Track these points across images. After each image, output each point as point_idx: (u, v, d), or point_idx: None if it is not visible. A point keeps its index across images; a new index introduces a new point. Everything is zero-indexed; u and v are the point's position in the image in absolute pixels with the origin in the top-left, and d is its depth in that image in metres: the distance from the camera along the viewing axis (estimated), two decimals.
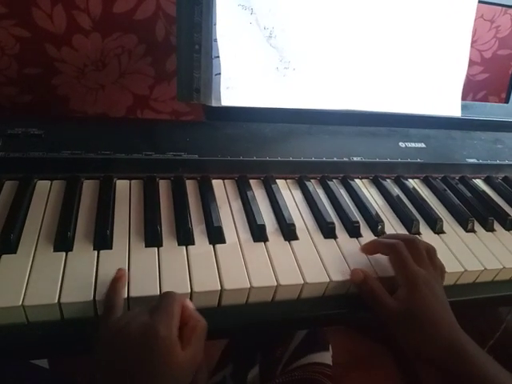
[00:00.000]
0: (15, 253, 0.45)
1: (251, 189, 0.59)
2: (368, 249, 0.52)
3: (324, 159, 0.64)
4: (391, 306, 0.46)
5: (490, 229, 0.62)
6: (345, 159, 0.65)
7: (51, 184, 0.55)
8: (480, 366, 0.42)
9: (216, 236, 0.51)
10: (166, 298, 0.40)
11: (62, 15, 0.68)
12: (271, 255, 0.50)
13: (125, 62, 0.76)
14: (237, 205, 0.57)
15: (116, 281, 0.43)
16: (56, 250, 0.46)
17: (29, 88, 0.75)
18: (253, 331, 0.55)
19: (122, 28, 0.72)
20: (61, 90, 0.76)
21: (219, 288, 0.45)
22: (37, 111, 0.77)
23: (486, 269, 0.54)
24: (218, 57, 0.56)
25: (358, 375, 0.99)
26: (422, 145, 0.71)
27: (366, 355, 1.04)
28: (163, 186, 0.58)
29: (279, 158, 0.62)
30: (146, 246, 0.48)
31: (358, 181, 0.66)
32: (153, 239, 0.49)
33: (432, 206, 0.64)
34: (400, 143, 0.70)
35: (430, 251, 0.50)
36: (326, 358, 0.67)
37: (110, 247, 0.47)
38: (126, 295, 0.42)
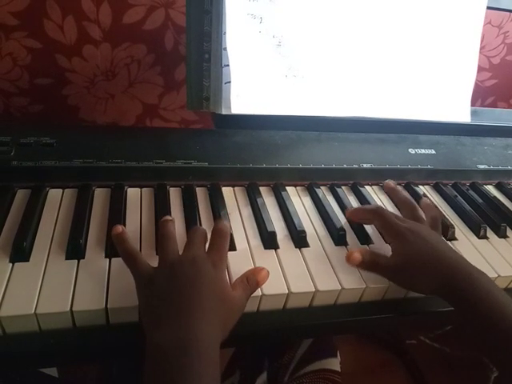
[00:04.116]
0: (28, 261, 0.45)
1: (261, 196, 0.59)
2: (352, 215, 0.56)
3: (333, 166, 0.64)
4: (389, 263, 0.48)
5: (502, 235, 0.61)
6: (354, 166, 0.65)
7: (63, 192, 0.55)
8: (489, 298, 0.43)
9: None
10: (220, 237, 0.46)
11: (72, 26, 0.69)
12: (282, 262, 0.50)
13: (134, 71, 0.76)
14: (247, 212, 0.57)
15: (121, 235, 0.45)
16: (68, 257, 0.46)
17: (40, 98, 0.75)
18: (263, 339, 0.54)
19: (131, 38, 0.73)
20: (71, 99, 0.77)
21: None
22: (47, 121, 0.77)
23: (499, 276, 0.54)
24: (228, 65, 0.57)
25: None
26: (432, 151, 0.70)
27: (376, 364, 1.03)
28: (174, 194, 0.58)
29: (289, 165, 0.62)
30: (157, 254, 0.48)
31: (368, 187, 0.66)
32: None
33: (443, 212, 0.63)
34: (410, 150, 0.70)
35: (433, 216, 0.55)
36: (335, 364, 0.66)
37: None
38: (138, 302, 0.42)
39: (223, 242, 0.46)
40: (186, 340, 0.36)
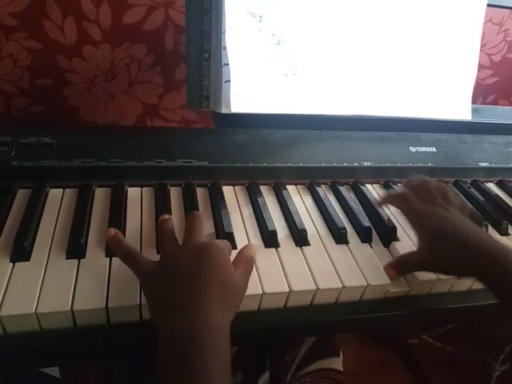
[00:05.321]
0: (28, 260, 0.45)
1: (262, 195, 0.59)
2: (382, 203, 0.58)
3: (334, 164, 0.64)
4: (420, 256, 0.49)
5: (504, 233, 0.61)
6: (355, 164, 0.65)
7: (63, 192, 0.55)
8: None
9: None
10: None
11: (72, 27, 0.70)
12: (283, 261, 0.50)
13: (134, 71, 0.76)
14: (247, 211, 0.57)
15: (116, 237, 0.45)
16: (68, 257, 0.46)
17: (40, 99, 0.76)
18: (264, 338, 0.54)
19: (131, 38, 0.73)
20: (72, 100, 0.77)
21: None
22: (48, 121, 0.78)
23: None
24: (228, 64, 0.57)
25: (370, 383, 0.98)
26: (433, 149, 0.70)
27: (378, 363, 1.03)
28: (174, 193, 0.58)
29: (289, 164, 0.62)
30: (157, 253, 0.48)
31: (368, 186, 0.66)
32: None
33: None
34: (411, 148, 0.69)
35: (442, 190, 0.53)
36: (337, 363, 0.66)
37: None
38: (139, 301, 0.42)
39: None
40: (194, 325, 0.37)
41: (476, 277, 0.47)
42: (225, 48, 0.56)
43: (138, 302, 0.42)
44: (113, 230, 0.46)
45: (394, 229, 0.57)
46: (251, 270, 0.45)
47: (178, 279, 0.40)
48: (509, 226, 0.62)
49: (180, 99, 0.81)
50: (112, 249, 0.46)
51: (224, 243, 0.45)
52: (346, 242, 0.54)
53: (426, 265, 0.49)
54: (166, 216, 0.50)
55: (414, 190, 0.54)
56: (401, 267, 0.50)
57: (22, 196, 0.53)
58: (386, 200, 0.57)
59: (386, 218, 0.58)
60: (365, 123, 0.67)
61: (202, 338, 0.36)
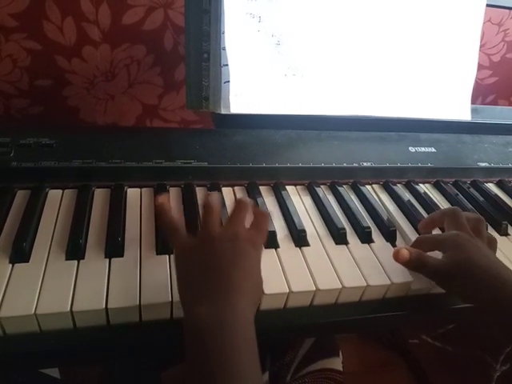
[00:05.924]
0: (28, 261, 0.45)
1: (261, 195, 0.59)
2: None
3: (334, 165, 0.64)
4: (439, 267, 0.48)
5: (504, 233, 0.61)
6: (355, 165, 0.64)
7: (63, 193, 0.55)
8: None
9: None
10: (263, 218, 0.47)
11: (72, 27, 0.70)
12: (282, 262, 0.50)
13: (134, 72, 0.76)
14: None
15: (163, 205, 0.45)
16: (68, 258, 0.46)
17: (40, 99, 0.76)
18: (264, 338, 0.54)
19: (130, 39, 0.73)
20: (71, 100, 0.77)
21: None
22: (47, 122, 0.78)
23: None
24: (227, 65, 0.57)
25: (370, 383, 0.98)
26: (433, 149, 0.70)
27: (378, 363, 1.03)
28: (173, 194, 0.58)
29: (288, 165, 0.62)
30: (157, 254, 0.48)
31: (368, 186, 0.66)
32: (164, 247, 0.49)
33: None
34: (410, 148, 0.69)
35: (476, 222, 0.52)
36: (337, 363, 0.66)
37: (121, 255, 0.47)
38: (138, 302, 0.42)
39: (266, 223, 0.47)
40: (224, 317, 0.37)
41: (485, 309, 0.46)
42: (224, 48, 0.56)
43: (138, 303, 0.42)
44: (161, 198, 0.45)
45: (394, 229, 0.57)
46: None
47: (211, 268, 0.40)
48: (508, 226, 0.62)
49: (179, 100, 0.81)
50: (157, 216, 0.46)
51: (261, 239, 0.45)
52: (346, 243, 0.54)
53: (438, 279, 0.48)
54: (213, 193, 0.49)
55: (443, 214, 0.54)
56: (416, 261, 0.49)
57: (21, 197, 0.53)
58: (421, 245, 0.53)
59: (385, 219, 0.58)
60: (364, 123, 0.67)
61: (233, 326, 0.36)
